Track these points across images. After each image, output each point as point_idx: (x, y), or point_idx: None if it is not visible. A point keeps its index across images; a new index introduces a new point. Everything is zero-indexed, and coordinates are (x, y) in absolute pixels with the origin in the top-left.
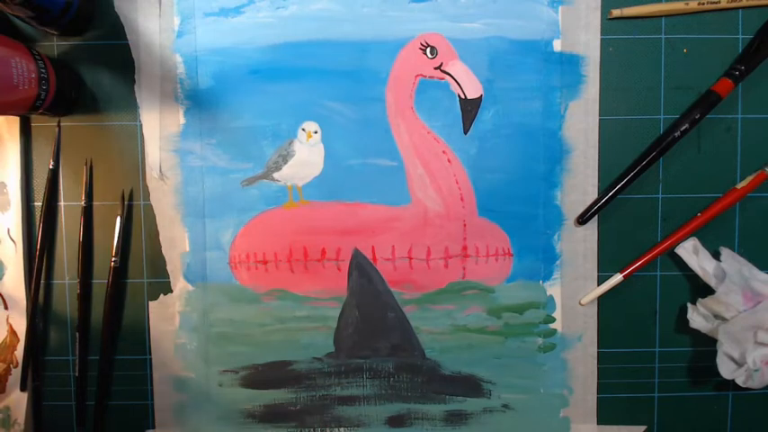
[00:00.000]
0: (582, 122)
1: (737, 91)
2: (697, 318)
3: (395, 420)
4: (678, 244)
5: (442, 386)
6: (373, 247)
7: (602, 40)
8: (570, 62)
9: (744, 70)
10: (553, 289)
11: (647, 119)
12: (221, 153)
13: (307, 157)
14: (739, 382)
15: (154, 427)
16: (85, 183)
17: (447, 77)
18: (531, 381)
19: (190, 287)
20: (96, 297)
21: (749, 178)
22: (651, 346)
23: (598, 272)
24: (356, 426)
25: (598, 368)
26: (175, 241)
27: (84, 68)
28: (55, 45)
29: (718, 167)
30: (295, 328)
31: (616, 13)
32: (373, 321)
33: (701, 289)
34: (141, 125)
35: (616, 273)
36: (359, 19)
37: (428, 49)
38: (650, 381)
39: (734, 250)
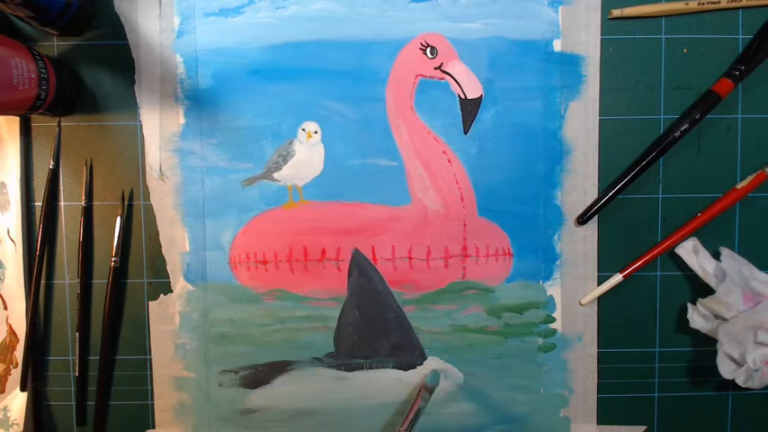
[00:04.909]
0: (582, 122)
1: (737, 91)
2: (697, 318)
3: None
4: (678, 244)
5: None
6: (373, 247)
7: (602, 40)
8: (570, 62)
9: (744, 70)
10: (553, 289)
11: (647, 119)
12: (221, 153)
13: (307, 157)
14: (739, 382)
15: (154, 427)
16: (85, 183)
17: (447, 77)
18: (531, 381)
19: (190, 287)
20: (96, 297)
21: (749, 178)
22: (651, 346)
23: (598, 272)
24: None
25: (598, 368)
26: (175, 241)
27: (84, 68)
28: (55, 45)
29: (718, 167)
30: (295, 328)
31: (616, 13)
32: (373, 321)
33: (701, 289)
34: (141, 125)
35: (616, 273)
36: (359, 19)
37: (428, 49)
38: (650, 381)
39: (734, 250)
